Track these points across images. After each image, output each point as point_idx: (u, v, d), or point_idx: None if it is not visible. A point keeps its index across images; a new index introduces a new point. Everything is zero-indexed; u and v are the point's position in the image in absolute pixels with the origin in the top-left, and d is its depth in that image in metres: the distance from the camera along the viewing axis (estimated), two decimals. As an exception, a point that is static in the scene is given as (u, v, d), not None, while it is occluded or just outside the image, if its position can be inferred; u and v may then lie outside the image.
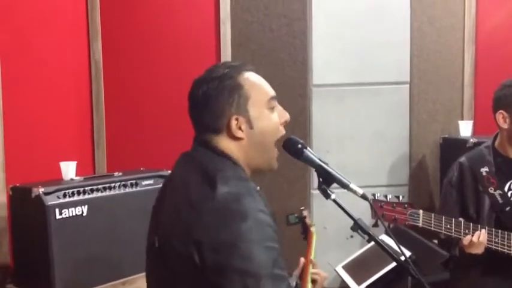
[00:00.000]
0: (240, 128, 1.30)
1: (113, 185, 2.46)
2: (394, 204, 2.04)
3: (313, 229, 1.50)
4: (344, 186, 1.34)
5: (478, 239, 2.02)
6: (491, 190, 2.21)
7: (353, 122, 3.25)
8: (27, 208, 2.27)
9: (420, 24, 3.21)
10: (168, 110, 3.20)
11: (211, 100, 1.30)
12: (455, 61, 3.26)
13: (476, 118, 3.22)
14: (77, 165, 2.54)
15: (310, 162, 1.36)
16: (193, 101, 1.34)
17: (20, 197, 2.32)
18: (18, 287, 2.41)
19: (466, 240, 2.03)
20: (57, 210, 2.23)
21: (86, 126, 3.21)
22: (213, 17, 3.19)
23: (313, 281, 1.53)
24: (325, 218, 3.06)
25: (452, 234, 2.03)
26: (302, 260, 1.56)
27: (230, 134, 1.31)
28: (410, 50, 3.22)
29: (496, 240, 2.07)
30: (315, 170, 1.36)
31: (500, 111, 2.21)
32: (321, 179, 1.35)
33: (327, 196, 1.33)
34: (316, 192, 3.15)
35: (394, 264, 2.11)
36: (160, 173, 2.63)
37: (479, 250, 2.05)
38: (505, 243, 2.07)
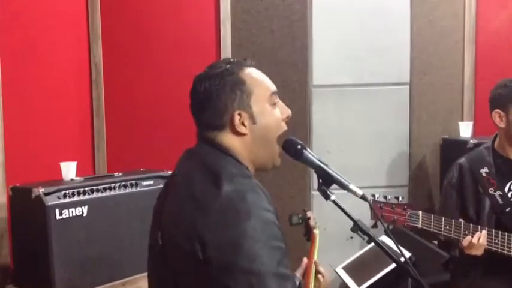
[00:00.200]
0: (243, 124, 1.30)
1: (113, 185, 2.46)
2: (394, 205, 2.04)
3: (316, 231, 1.49)
4: (343, 187, 1.33)
5: (478, 240, 2.01)
6: (491, 191, 2.20)
7: (353, 123, 3.24)
8: (27, 208, 2.27)
9: (420, 25, 3.21)
10: (168, 110, 3.20)
11: (213, 96, 1.29)
12: (455, 62, 3.25)
13: (477, 119, 3.21)
14: (77, 165, 2.54)
15: (310, 163, 1.36)
16: (195, 97, 1.34)
17: (20, 197, 2.32)
18: (18, 287, 2.41)
19: (465, 241, 2.03)
20: (57, 211, 2.23)
21: (86, 127, 3.21)
22: (213, 18, 3.19)
23: (317, 281, 1.52)
24: (325, 219, 3.04)
25: (452, 235, 2.03)
26: (305, 260, 1.55)
27: (233, 130, 1.30)
28: (410, 51, 3.20)
29: (496, 241, 2.06)
30: (315, 171, 1.36)
31: (496, 110, 2.22)
32: (320, 180, 1.35)
33: (326, 197, 1.33)
34: (316, 193, 3.14)
35: (394, 265, 2.10)
36: (161, 173, 2.63)
37: (478, 252, 2.05)
38: (505, 244, 2.06)
